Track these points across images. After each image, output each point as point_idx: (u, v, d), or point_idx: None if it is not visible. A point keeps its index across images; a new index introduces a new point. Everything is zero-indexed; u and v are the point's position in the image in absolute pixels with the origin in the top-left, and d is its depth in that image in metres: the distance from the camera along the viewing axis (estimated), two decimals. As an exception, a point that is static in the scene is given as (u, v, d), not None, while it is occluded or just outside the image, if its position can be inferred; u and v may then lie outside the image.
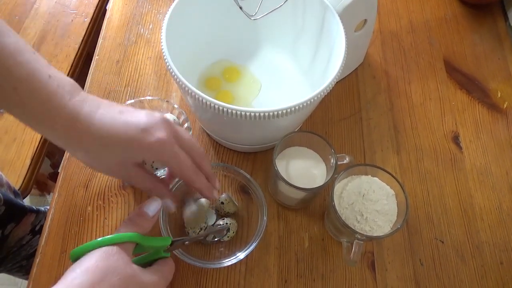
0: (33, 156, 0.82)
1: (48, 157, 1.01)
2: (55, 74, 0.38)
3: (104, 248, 0.37)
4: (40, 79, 0.36)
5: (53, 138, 0.39)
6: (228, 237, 0.54)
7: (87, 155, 0.40)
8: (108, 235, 0.38)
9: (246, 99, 0.65)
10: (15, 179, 0.79)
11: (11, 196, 0.70)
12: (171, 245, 0.44)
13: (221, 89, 0.66)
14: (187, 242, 0.47)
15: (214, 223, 0.56)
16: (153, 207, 0.42)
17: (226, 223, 0.54)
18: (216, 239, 0.53)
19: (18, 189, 0.79)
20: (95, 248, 0.37)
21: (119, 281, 0.35)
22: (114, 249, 0.37)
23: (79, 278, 0.34)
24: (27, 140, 0.82)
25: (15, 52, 0.35)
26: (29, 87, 0.35)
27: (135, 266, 0.38)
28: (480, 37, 0.80)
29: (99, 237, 0.38)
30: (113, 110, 0.39)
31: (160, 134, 0.39)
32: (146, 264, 0.42)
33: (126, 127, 0.38)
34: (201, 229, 0.53)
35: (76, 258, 0.37)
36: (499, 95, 0.73)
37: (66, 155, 0.61)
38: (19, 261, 0.77)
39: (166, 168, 0.54)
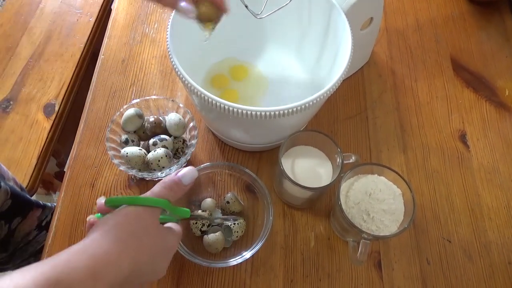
0: (39, 155, 0.82)
1: (54, 156, 1.01)
2: None
3: (138, 208, 0.37)
4: None
5: None
6: (237, 236, 0.54)
7: None
8: None
9: (253, 98, 0.65)
10: (22, 178, 0.80)
11: (18, 190, 0.71)
12: (189, 218, 0.46)
13: (227, 87, 0.66)
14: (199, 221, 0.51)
15: (221, 223, 0.55)
16: (188, 176, 0.42)
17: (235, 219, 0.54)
18: (227, 223, 0.54)
19: (25, 187, 0.79)
20: (130, 204, 0.38)
21: (149, 239, 0.36)
22: (147, 211, 0.38)
23: (113, 230, 0.35)
24: (33, 139, 0.83)
25: None
26: None
27: (161, 227, 0.40)
28: (487, 35, 0.80)
29: None
30: None
31: None
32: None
33: None
34: (203, 224, 0.54)
35: (111, 205, 0.39)
36: (506, 93, 0.72)
37: (72, 154, 0.62)
38: (26, 258, 0.78)
39: (170, 168, 0.55)
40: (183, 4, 0.45)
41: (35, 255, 0.79)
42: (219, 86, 0.65)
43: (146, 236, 0.36)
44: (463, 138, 0.67)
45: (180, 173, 0.42)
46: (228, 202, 0.54)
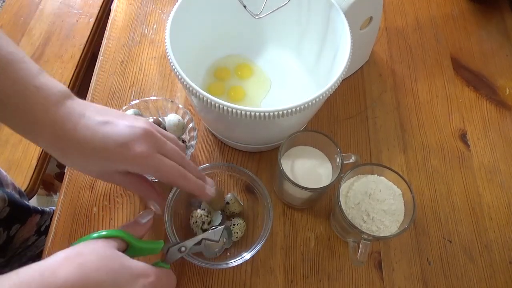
0: (40, 157, 0.82)
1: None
2: (43, 84, 0.38)
3: (92, 241, 0.38)
4: (25, 93, 0.37)
5: (41, 146, 0.41)
6: (236, 237, 0.53)
7: (73, 164, 0.41)
8: None
9: (255, 97, 0.65)
10: (22, 180, 0.80)
11: (17, 196, 0.71)
12: (165, 250, 0.44)
13: (230, 80, 0.66)
14: (183, 249, 0.45)
15: (221, 223, 0.55)
16: (145, 215, 0.44)
17: (227, 225, 0.53)
18: (216, 250, 0.51)
19: (25, 190, 0.79)
20: (87, 240, 0.38)
21: (96, 257, 0.35)
22: (99, 240, 0.38)
23: (58, 254, 0.35)
24: (34, 141, 0.83)
25: (4, 65, 0.36)
26: (15, 101, 0.36)
27: (120, 253, 0.38)
28: (488, 34, 0.79)
29: None
30: (95, 121, 0.39)
31: (140, 148, 0.40)
32: None
33: (104, 141, 0.39)
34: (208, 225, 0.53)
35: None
36: (507, 92, 0.72)
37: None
38: (25, 262, 0.78)
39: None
40: (155, 204, 0.46)
41: (34, 259, 0.79)
42: (221, 78, 0.66)
43: (93, 255, 0.35)
44: (463, 137, 0.67)
45: (138, 216, 0.44)
46: (228, 203, 0.54)
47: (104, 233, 0.39)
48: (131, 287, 0.36)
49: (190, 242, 0.46)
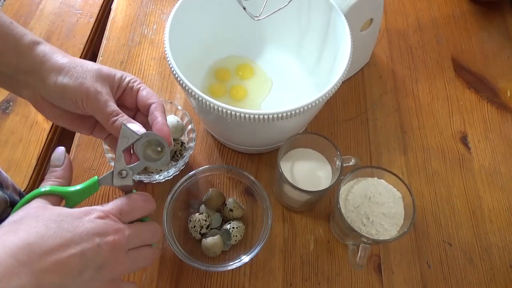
0: (39, 156, 0.82)
1: (54, 157, 1.01)
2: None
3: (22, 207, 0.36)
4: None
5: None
6: (235, 240, 0.53)
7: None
8: None
9: (256, 97, 0.64)
10: (21, 179, 0.79)
11: (17, 198, 0.71)
12: (101, 183, 0.39)
13: (231, 81, 0.66)
14: (124, 173, 0.39)
15: (220, 227, 0.55)
16: (57, 155, 0.40)
17: (229, 228, 0.53)
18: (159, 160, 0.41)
19: (24, 189, 0.79)
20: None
21: (30, 213, 0.33)
22: (30, 203, 0.35)
23: None
24: (33, 140, 0.83)
25: None
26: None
27: (57, 208, 0.35)
28: (489, 35, 0.79)
29: None
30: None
31: None
32: None
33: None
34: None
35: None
36: (508, 94, 0.72)
37: (71, 156, 0.61)
38: None
39: (168, 171, 0.54)
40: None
41: None
42: (222, 79, 0.65)
43: (21, 211, 0.34)
44: (464, 139, 0.67)
45: (51, 159, 0.40)
46: (231, 210, 0.54)
47: (25, 197, 0.36)
48: (82, 225, 0.33)
49: (131, 166, 0.40)
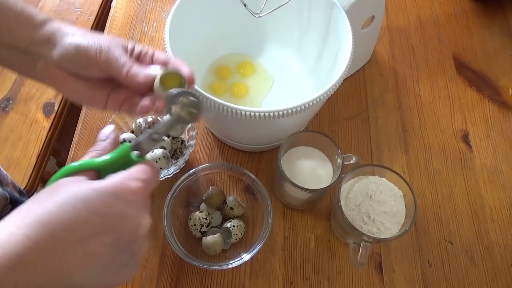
0: (39, 155, 0.82)
1: (54, 155, 1.01)
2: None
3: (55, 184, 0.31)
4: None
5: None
6: (236, 239, 0.53)
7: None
8: None
9: (258, 95, 0.64)
10: (21, 178, 0.79)
11: (17, 195, 0.70)
12: (136, 149, 0.36)
13: (231, 79, 0.65)
14: (155, 136, 0.37)
15: (220, 225, 0.55)
16: (106, 130, 0.38)
17: (231, 225, 0.53)
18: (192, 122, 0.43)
19: (24, 187, 0.79)
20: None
21: (63, 198, 0.29)
22: (66, 179, 0.32)
23: (30, 200, 0.29)
24: (33, 139, 0.82)
25: None
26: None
27: (89, 181, 0.31)
28: (491, 33, 0.78)
29: None
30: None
31: None
32: None
33: None
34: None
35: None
36: (510, 93, 0.71)
37: (70, 154, 0.61)
38: None
39: (169, 169, 0.54)
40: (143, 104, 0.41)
41: None
42: (223, 76, 0.65)
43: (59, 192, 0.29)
44: (465, 138, 0.66)
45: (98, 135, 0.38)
46: (232, 208, 0.54)
47: (62, 170, 0.33)
48: (110, 209, 0.30)
49: (161, 127, 0.38)
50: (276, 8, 0.53)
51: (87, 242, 0.28)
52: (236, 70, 0.66)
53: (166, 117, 0.38)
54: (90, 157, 0.34)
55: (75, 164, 0.33)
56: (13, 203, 0.68)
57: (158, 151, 0.53)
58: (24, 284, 0.25)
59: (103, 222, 0.29)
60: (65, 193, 0.29)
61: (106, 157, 0.34)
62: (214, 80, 0.65)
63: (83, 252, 0.28)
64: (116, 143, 0.37)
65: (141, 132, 0.57)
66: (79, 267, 0.28)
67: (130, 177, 0.32)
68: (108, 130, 0.38)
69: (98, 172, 0.33)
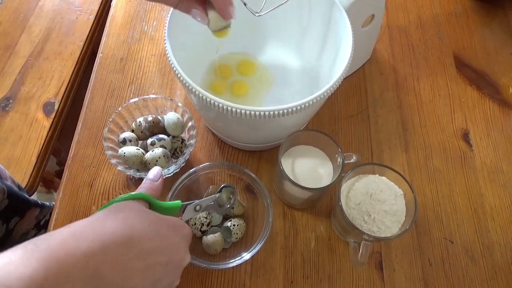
0: (39, 154, 0.82)
1: (54, 155, 1.01)
2: None
3: (123, 202, 0.38)
4: None
5: None
6: (236, 238, 0.53)
7: None
8: None
9: (258, 93, 0.64)
10: (21, 177, 0.79)
11: (15, 189, 0.70)
12: (182, 210, 0.45)
13: (232, 77, 0.65)
14: (197, 207, 0.46)
15: (221, 224, 0.55)
16: (154, 173, 0.44)
17: (232, 223, 0.53)
18: (227, 206, 0.50)
19: (24, 187, 0.79)
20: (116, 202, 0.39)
21: (136, 212, 0.36)
22: (131, 202, 0.38)
23: (96, 213, 0.35)
24: (33, 138, 0.82)
25: None
26: None
27: (156, 213, 0.39)
28: (491, 32, 0.78)
29: None
30: None
31: None
32: None
33: None
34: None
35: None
36: (510, 91, 0.71)
37: (70, 154, 0.61)
38: None
39: (169, 168, 0.54)
40: (196, 11, 0.46)
41: None
42: (223, 75, 0.65)
43: (130, 210, 0.36)
44: (466, 137, 0.66)
45: (148, 175, 0.45)
46: (232, 208, 0.54)
47: (128, 195, 0.39)
48: (173, 237, 0.37)
49: (204, 201, 0.47)
50: (276, 7, 0.53)
51: (149, 256, 0.33)
52: (237, 69, 0.66)
53: (210, 197, 0.48)
54: (143, 191, 0.41)
55: (136, 193, 0.39)
56: (11, 198, 0.67)
57: (158, 150, 0.53)
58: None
59: (163, 245, 0.35)
60: (138, 210, 0.36)
61: (164, 203, 0.42)
62: (214, 79, 0.65)
63: (144, 263, 0.33)
64: (162, 186, 0.44)
65: (141, 132, 0.57)
66: (138, 275, 0.32)
67: (184, 222, 0.41)
68: (157, 171, 0.45)
69: (150, 206, 0.40)
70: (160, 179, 0.44)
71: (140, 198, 0.40)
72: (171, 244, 0.36)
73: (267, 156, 0.62)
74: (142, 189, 0.42)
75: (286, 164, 0.54)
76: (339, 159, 0.52)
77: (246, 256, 0.49)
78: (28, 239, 0.77)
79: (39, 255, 0.28)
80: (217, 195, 0.49)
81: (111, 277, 0.30)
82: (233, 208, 0.54)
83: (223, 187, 0.50)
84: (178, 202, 0.44)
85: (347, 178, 0.52)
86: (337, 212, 0.52)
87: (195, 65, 0.61)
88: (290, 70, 0.66)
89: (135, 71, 0.69)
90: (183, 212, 0.45)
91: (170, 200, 0.51)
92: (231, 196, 0.50)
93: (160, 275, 0.35)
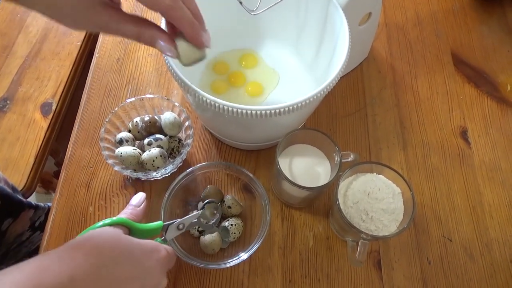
0: (37, 155, 0.82)
1: (52, 155, 1.01)
2: None
3: (99, 229, 0.39)
4: None
5: None
6: (234, 238, 0.53)
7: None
8: None
9: (265, 89, 0.65)
10: (19, 178, 0.79)
11: (9, 190, 0.70)
12: (164, 230, 0.46)
13: (230, 72, 0.65)
14: (180, 226, 0.47)
15: (219, 224, 0.55)
16: (138, 198, 0.46)
17: (229, 223, 0.53)
18: (212, 222, 0.50)
19: (23, 188, 0.79)
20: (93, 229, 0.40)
21: (108, 239, 0.36)
22: (105, 227, 0.40)
23: (69, 242, 0.35)
24: (31, 139, 0.82)
25: None
26: None
27: (127, 235, 0.40)
28: (489, 29, 0.78)
29: None
30: None
31: None
32: None
33: None
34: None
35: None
36: (508, 89, 0.71)
37: (67, 154, 0.61)
38: (21, 258, 0.77)
39: (166, 168, 0.54)
40: (162, 43, 0.39)
41: (30, 255, 0.78)
42: (221, 73, 0.65)
43: (103, 235, 0.37)
44: (464, 134, 0.66)
45: (131, 200, 0.46)
46: (229, 207, 0.54)
47: (108, 221, 0.40)
48: (146, 262, 0.37)
49: (187, 219, 0.47)
50: (271, 6, 0.52)
51: (121, 283, 0.34)
52: (239, 61, 0.66)
53: (193, 214, 0.48)
54: (125, 217, 0.42)
55: (115, 218, 0.41)
56: (3, 199, 0.67)
57: (155, 150, 0.53)
58: None
59: (136, 271, 0.36)
60: (110, 237, 0.36)
61: (144, 226, 0.44)
62: (214, 78, 0.65)
63: None
64: (145, 211, 0.45)
65: (138, 132, 0.57)
66: None
67: (162, 245, 0.41)
68: (141, 197, 0.46)
69: (130, 231, 0.42)
70: (142, 204, 0.45)
71: (119, 224, 0.41)
72: (144, 270, 0.37)
73: (264, 155, 0.62)
74: (123, 214, 0.44)
75: (284, 163, 0.54)
76: (336, 158, 0.52)
77: (244, 255, 0.49)
78: (23, 240, 0.77)
79: None
80: (200, 211, 0.49)
81: None
82: (230, 207, 0.53)
83: (206, 203, 0.51)
84: (159, 223, 0.45)
85: (345, 177, 0.52)
86: (335, 211, 0.52)
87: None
88: (287, 68, 0.66)
89: (131, 71, 0.69)
90: (166, 232, 0.46)
91: (165, 204, 0.51)
92: (215, 211, 0.51)
93: None
